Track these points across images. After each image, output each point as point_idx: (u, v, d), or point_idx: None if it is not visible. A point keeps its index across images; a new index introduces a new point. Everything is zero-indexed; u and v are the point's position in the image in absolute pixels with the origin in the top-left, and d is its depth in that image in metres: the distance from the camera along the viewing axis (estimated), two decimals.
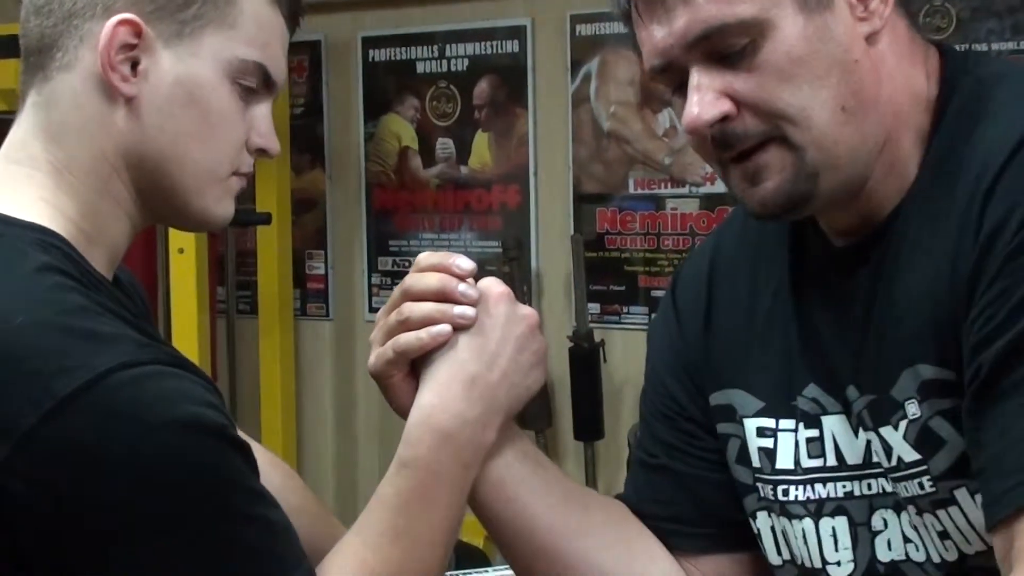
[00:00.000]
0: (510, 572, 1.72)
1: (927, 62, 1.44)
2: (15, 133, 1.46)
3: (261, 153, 1.49)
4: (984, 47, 3.42)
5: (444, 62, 4.13)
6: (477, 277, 1.49)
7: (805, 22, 1.35)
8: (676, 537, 1.59)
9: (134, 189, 1.46)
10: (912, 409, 1.37)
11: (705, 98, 1.36)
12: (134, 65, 1.42)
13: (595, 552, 1.55)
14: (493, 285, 1.49)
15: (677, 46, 1.37)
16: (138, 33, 1.41)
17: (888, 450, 1.39)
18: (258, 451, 1.50)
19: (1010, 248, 1.26)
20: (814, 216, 1.47)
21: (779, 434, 1.51)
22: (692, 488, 1.59)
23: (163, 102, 1.43)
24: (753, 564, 1.58)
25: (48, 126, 1.45)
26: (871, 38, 1.38)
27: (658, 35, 1.38)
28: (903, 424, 1.36)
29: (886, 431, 1.40)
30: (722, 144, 1.37)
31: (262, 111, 1.48)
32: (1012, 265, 1.26)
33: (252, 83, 1.46)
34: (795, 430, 1.50)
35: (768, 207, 1.39)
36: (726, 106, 1.36)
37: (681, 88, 1.39)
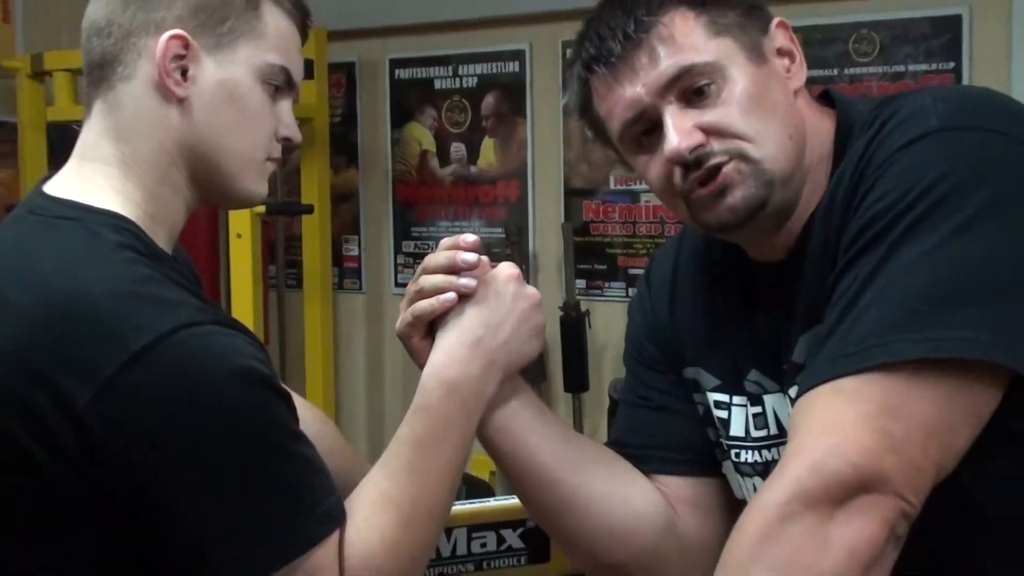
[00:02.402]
0: (511, 501, 1.72)
1: (827, 117, 1.47)
2: (86, 135, 1.47)
3: (287, 141, 1.51)
4: (902, 68, 3.39)
5: (457, 80, 4.11)
6: (493, 259, 1.51)
7: (755, 70, 1.40)
8: (662, 462, 1.60)
9: (188, 176, 1.46)
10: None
11: (682, 131, 1.38)
12: (184, 72, 1.43)
13: (588, 480, 1.55)
14: (506, 268, 1.50)
15: (651, 94, 1.39)
16: (186, 45, 1.42)
17: None
18: (299, 402, 1.51)
19: (862, 222, 1.29)
20: (743, 248, 1.50)
21: (732, 408, 1.53)
22: (678, 422, 1.60)
23: (209, 101, 1.44)
24: (721, 489, 1.59)
25: (115, 127, 1.45)
26: (794, 93, 1.43)
27: (629, 92, 1.40)
28: None
29: (794, 391, 1.40)
30: (694, 166, 1.39)
31: (286, 106, 1.50)
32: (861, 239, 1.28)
33: (278, 83, 1.48)
34: (745, 405, 1.52)
35: (738, 212, 1.40)
36: (699, 136, 1.38)
37: (649, 133, 1.42)
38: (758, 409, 1.51)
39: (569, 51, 1.51)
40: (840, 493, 1.16)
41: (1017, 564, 1.31)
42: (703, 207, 1.42)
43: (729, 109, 1.38)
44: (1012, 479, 1.28)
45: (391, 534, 1.38)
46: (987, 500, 1.29)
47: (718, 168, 1.39)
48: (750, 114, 1.38)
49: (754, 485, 1.52)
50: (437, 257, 1.49)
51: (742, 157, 1.38)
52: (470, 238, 1.48)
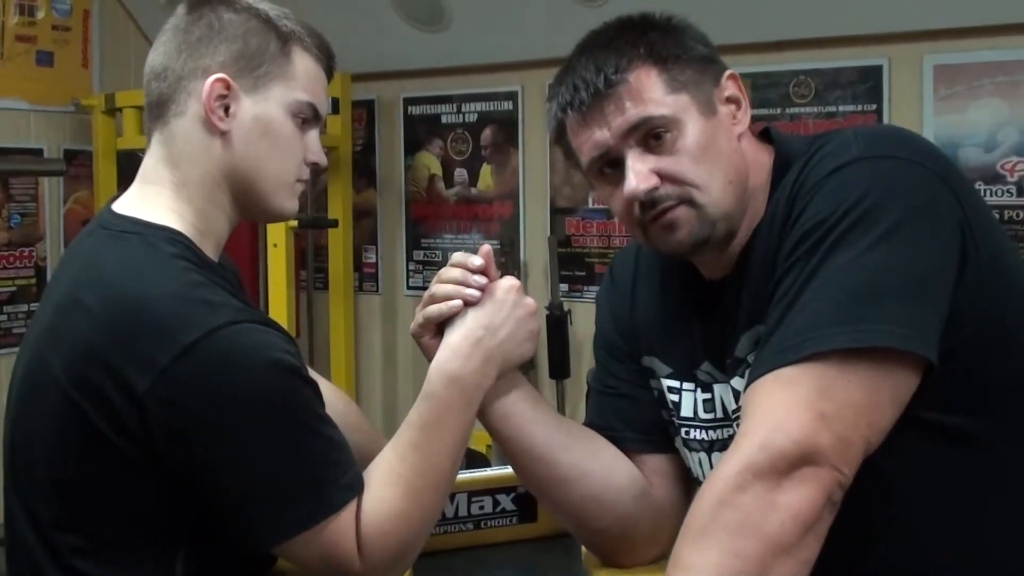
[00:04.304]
0: (504, 470, 1.72)
1: (766, 151, 1.46)
2: (147, 162, 1.47)
3: (314, 165, 1.50)
4: (834, 108, 3.40)
5: (461, 115, 4.11)
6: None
7: (705, 122, 1.38)
8: (633, 442, 1.59)
9: (230, 196, 1.45)
10: (751, 359, 1.36)
11: (640, 175, 1.37)
12: (226, 109, 1.42)
13: (577, 458, 1.54)
14: (509, 280, 1.49)
15: (615, 137, 1.38)
16: (228, 87, 1.41)
17: (738, 394, 1.39)
18: (326, 386, 1.50)
19: (798, 236, 1.28)
20: (693, 262, 1.49)
21: (683, 393, 1.52)
22: (641, 407, 1.58)
23: (247, 133, 1.43)
24: (682, 460, 1.58)
25: (169, 156, 1.45)
26: (739, 137, 1.42)
27: (597, 134, 1.39)
28: (747, 372, 1.35)
29: (736, 381, 1.41)
30: (649, 205, 1.38)
31: (313, 136, 1.49)
32: (797, 250, 1.28)
33: (306, 116, 1.47)
34: (694, 391, 1.51)
35: (684, 246, 1.41)
36: (655, 180, 1.37)
37: (612, 167, 1.40)
38: (708, 396, 1.50)
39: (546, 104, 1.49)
40: (784, 466, 1.15)
41: (914, 524, 1.31)
42: (656, 238, 1.42)
43: (681, 159, 1.38)
44: (915, 457, 1.28)
45: (399, 504, 1.37)
46: (896, 475, 1.28)
47: (669, 209, 1.39)
48: (698, 163, 1.38)
49: (699, 459, 1.52)
50: (451, 271, 1.49)
51: (690, 202, 1.38)
52: (477, 260, 1.48)
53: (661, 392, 1.56)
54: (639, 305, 1.60)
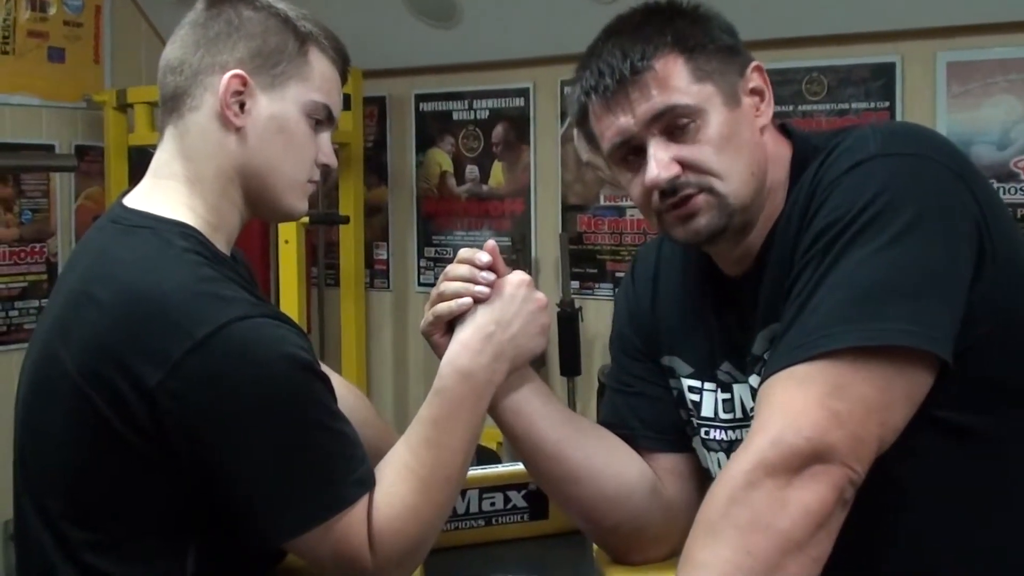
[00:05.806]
0: (516, 467, 1.71)
1: (786, 146, 1.45)
2: (159, 156, 1.47)
3: (325, 167, 1.50)
4: (847, 106, 3.39)
5: (472, 112, 4.11)
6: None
7: (728, 113, 1.38)
8: (647, 440, 1.58)
9: (242, 193, 1.46)
10: (767, 356, 1.35)
11: (662, 163, 1.36)
12: (242, 105, 1.42)
13: (589, 456, 1.54)
14: (519, 274, 1.49)
15: (638, 124, 1.37)
16: (244, 83, 1.41)
17: (755, 393, 1.37)
18: (338, 381, 1.50)
19: (813, 234, 1.28)
20: (711, 256, 1.48)
21: (704, 392, 1.52)
22: (656, 406, 1.58)
23: (262, 131, 1.43)
24: (695, 459, 1.58)
25: (183, 150, 1.45)
26: (761, 130, 1.41)
27: (621, 120, 1.38)
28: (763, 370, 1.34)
29: (753, 379, 1.40)
30: (670, 193, 1.38)
31: (326, 138, 1.49)
32: (812, 249, 1.28)
33: (320, 118, 1.47)
34: (715, 391, 1.50)
35: (701, 235, 1.40)
36: (676, 169, 1.37)
37: (634, 154, 1.40)
38: (727, 395, 1.50)
39: (567, 89, 1.48)
40: (796, 463, 1.15)
41: (924, 523, 1.31)
42: (673, 226, 1.42)
43: (704, 148, 1.37)
44: (927, 456, 1.28)
45: (411, 500, 1.37)
46: (904, 474, 1.28)
47: (689, 197, 1.38)
48: (721, 153, 1.37)
49: (719, 460, 1.52)
50: (459, 268, 1.48)
51: (711, 191, 1.38)
52: (484, 257, 1.47)
53: (681, 392, 1.55)
54: (659, 304, 1.59)
